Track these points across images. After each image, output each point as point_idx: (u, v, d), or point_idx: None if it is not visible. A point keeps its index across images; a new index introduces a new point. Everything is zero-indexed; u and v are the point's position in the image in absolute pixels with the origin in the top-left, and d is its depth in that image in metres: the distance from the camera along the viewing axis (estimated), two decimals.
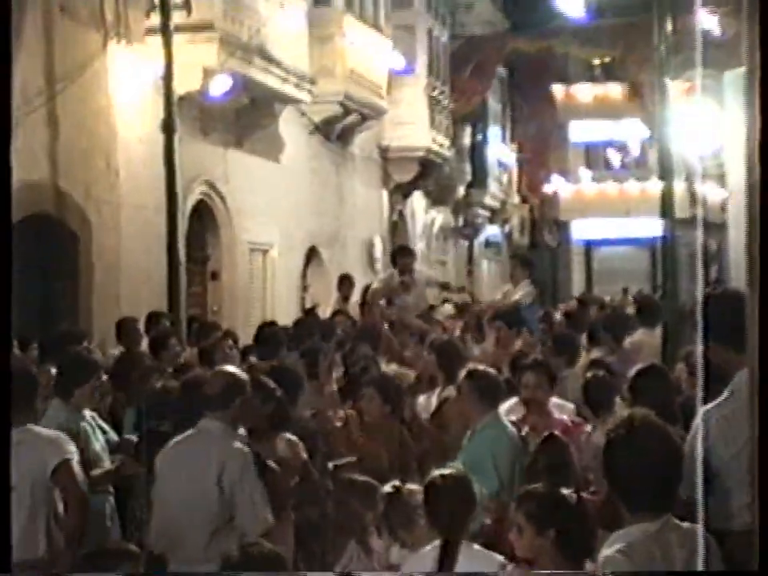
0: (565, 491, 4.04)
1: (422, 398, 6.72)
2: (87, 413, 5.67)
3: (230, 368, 5.29)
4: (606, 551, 2.98)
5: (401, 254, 11.14)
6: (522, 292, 10.24)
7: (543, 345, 8.25)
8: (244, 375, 5.14)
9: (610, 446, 3.10)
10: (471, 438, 5.37)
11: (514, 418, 5.77)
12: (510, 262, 10.89)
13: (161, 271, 10.88)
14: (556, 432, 5.11)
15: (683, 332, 9.12)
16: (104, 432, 5.79)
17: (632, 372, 5.42)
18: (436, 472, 4.31)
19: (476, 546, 4.11)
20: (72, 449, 4.84)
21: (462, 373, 5.66)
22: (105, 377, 6.12)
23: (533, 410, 5.81)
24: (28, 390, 4.87)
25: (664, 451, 3.05)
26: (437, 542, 4.13)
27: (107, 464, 5.62)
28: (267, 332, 8.51)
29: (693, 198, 24.40)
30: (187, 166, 11.57)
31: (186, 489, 4.78)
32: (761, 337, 2.58)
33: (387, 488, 4.49)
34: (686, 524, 3.06)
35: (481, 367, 5.76)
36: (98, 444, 5.62)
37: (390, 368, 7.33)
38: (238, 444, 4.88)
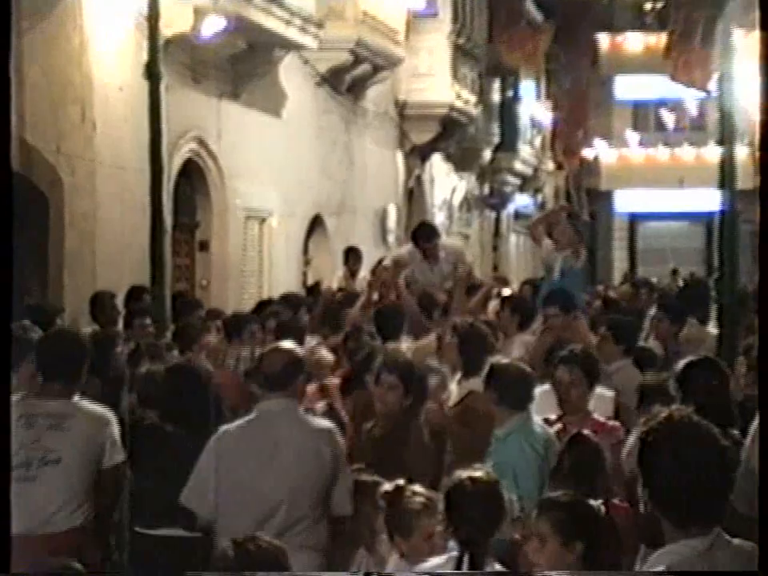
0: (592, 502, 4.04)
1: (433, 380, 6.65)
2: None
3: (287, 344, 5.45)
4: (651, 570, 2.96)
5: (422, 234, 10.54)
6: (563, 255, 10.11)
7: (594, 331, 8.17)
8: (302, 351, 5.49)
9: (646, 449, 3.06)
10: (495, 447, 5.32)
11: (552, 416, 5.75)
12: (555, 230, 10.64)
13: (143, 240, 10.84)
14: (586, 431, 5.04)
15: (743, 322, 9.07)
16: None
17: (680, 365, 5.37)
18: (463, 474, 4.23)
19: (497, 565, 4.08)
20: (115, 429, 5.33)
21: (485, 367, 5.59)
22: None
23: (567, 409, 5.77)
24: (76, 362, 5.37)
25: (709, 456, 3.00)
26: (452, 554, 4.10)
27: None
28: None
29: (757, 166, 24.27)
30: (174, 120, 11.51)
31: (273, 475, 4.97)
32: None
33: (388, 486, 4.49)
34: (736, 540, 3.03)
35: (505, 361, 5.67)
36: None
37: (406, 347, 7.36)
38: (323, 423, 5.24)
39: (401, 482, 4.51)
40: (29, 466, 5.00)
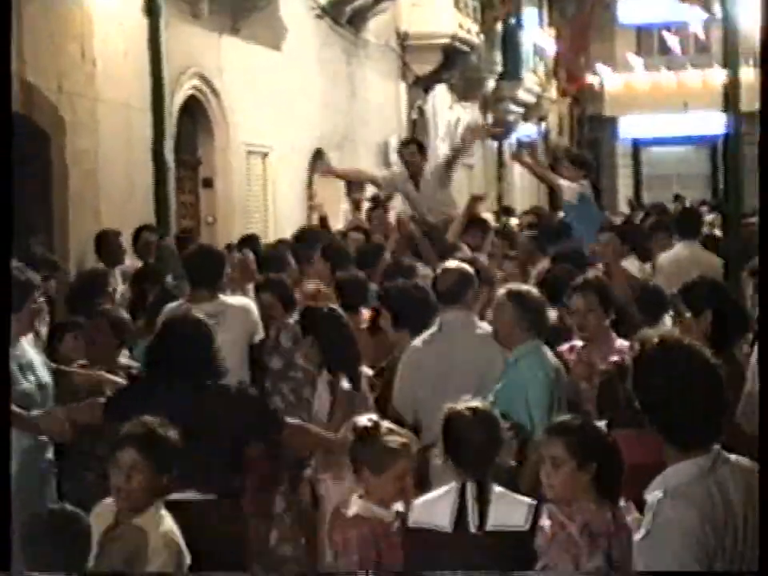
0: (595, 423, 4.09)
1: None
2: (26, 344, 5.39)
3: (456, 263, 6.13)
4: (658, 492, 2.98)
5: (403, 145, 11.05)
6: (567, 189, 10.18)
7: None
8: (471, 269, 6.02)
9: (640, 372, 3.09)
10: (505, 371, 5.35)
11: (579, 342, 5.79)
12: (560, 163, 10.75)
13: (146, 177, 10.85)
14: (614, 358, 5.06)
15: (750, 246, 9.06)
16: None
17: (678, 288, 5.42)
18: (460, 404, 4.30)
19: (498, 488, 4.13)
20: (257, 315, 6.43)
21: (501, 291, 5.59)
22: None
23: (587, 337, 5.78)
24: (217, 270, 6.50)
25: (701, 376, 3.03)
26: (452, 485, 4.14)
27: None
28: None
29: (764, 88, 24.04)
30: (175, 56, 11.44)
31: (454, 380, 5.31)
32: None
33: (363, 420, 4.45)
34: (734, 456, 3.07)
35: (524, 287, 5.68)
36: (28, 383, 5.30)
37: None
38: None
39: (374, 417, 4.48)
40: None
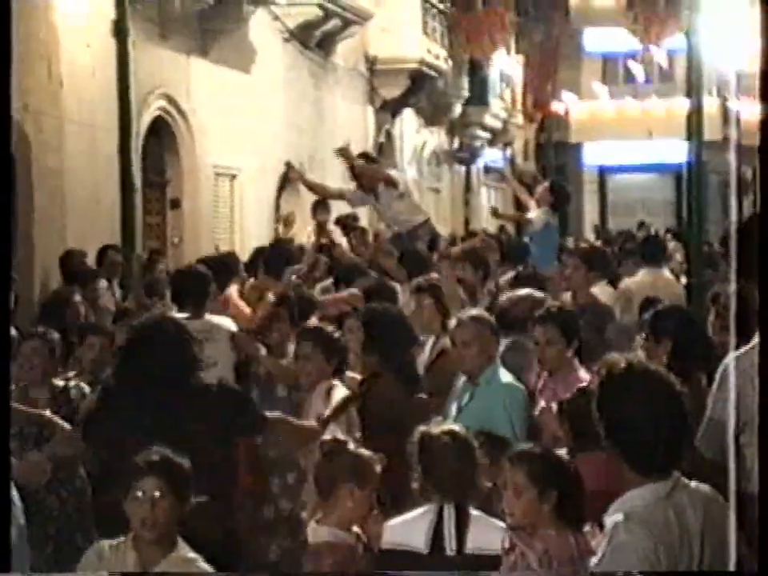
0: (561, 452, 4.10)
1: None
2: None
3: (528, 290, 6.35)
4: (616, 516, 2.99)
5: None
6: (533, 216, 10.25)
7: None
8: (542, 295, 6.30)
9: (605, 397, 3.10)
10: (473, 393, 5.34)
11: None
12: (537, 187, 10.84)
13: (113, 197, 10.79)
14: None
15: (714, 271, 9.14)
16: None
17: (648, 315, 5.45)
18: (434, 427, 4.30)
19: (475, 512, 4.13)
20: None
21: (454, 320, 5.62)
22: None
23: (547, 368, 5.78)
24: (202, 289, 6.61)
25: (665, 402, 3.05)
26: (429, 506, 4.13)
27: None
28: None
29: (725, 116, 24.37)
30: (143, 77, 11.42)
31: None
32: None
33: (327, 436, 4.43)
34: (694, 483, 3.08)
35: (478, 312, 5.73)
36: None
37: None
38: None
39: (339, 435, 4.48)
40: None
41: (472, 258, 8.30)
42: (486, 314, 5.76)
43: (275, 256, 8.03)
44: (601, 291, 8.43)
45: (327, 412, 5.25)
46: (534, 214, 10.60)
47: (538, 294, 6.40)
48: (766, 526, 2.83)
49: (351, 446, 4.36)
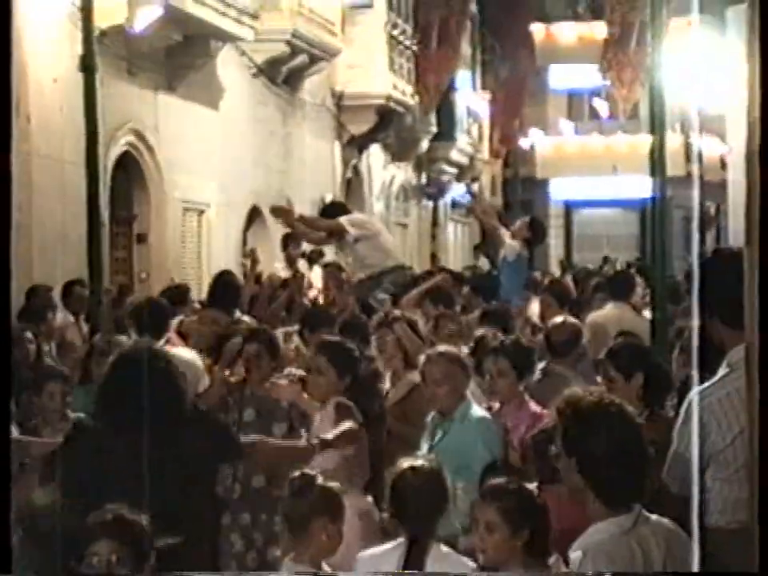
0: (528, 486, 4.09)
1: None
2: None
3: (573, 319, 6.66)
4: (579, 550, 3.00)
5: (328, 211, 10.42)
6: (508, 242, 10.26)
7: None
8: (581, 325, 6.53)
9: (569, 430, 3.12)
10: (448, 429, 5.31)
11: (496, 404, 5.82)
12: (516, 222, 10.89)
13: (79, 233, 10.73)
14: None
15: (677, 306, 9.20)
16: None
17: (604, 352, 5.48)
18: (405, 463, 4.29)
19: (444, 548, 4.12)
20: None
21: (423, 356, 5.60)
22: None
23: (496, 398, 5.83)
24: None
25: (628, 434, 3.08)
26: (400, 540, 4.14)
27: None
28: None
29: (688, 153, 24.61)
30: (110, 112, 11.39)
31: None
32: (762, 309, 2.59)
33: (302, 471, 4.35)
34: (654, 516, 3.10)
35: (447, 348, 5.69)
36: None
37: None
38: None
39: (308, 470, 4.38)
40: None
41: (432, 296, 8.30)
42: (454, 349, 5.72)
43: (222, 287, 7.99)
44: None
45: (329, 435, 5.16)
46: (508, 241, 10.61)
47: (573, 320, 6.78)
48: (766, 526, 2.84)
49: (320, 479, 4.30)
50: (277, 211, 10.09)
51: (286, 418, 5.75)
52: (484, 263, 23.25)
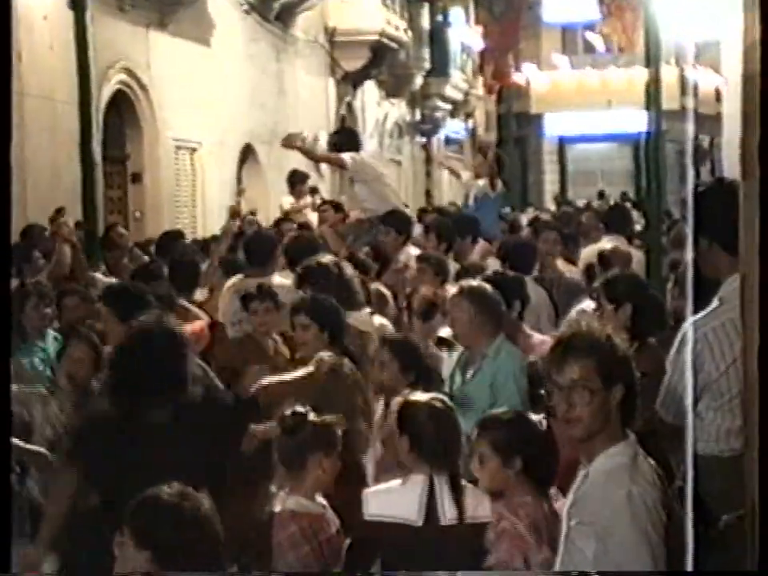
0: (534, 416, 4.08)
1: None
2: None
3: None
4: (599, 474, 3.04)
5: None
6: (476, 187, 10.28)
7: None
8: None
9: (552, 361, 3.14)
10: (481, 364, 5.20)
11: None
12: (473, 157, 10.90)
13: (73, 172, 10.68)
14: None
15: (671, 240, 9.21)
16: None
17: (599, 281, 5.47)
18: (421, 397, 4.18)
19: (470, 485, 4.03)
20: None
21: (454, 289, 5.42)
22: None
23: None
24: (269, 251, 7.07)
25: (615, 363, 3.09)
26: (414, 477, 4.00)
27: None
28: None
29: (683, 86, 24.48)
30: (102, 50, 11.28)
31: None
32: (762, 237, 2.59)
33: (290, 410, 4.27)
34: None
35: (476, 282, 5.46)
36: None
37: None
38: None
39: (300, 408, 4.30)
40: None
41: (436, 230, 8.25)
42: (482, 284, 5.41)
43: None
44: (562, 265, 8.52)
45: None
46: (474, 182, 10.64)
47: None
48: (766, 526, 2.87)
49: (311, 416, 4.26)
50: (288, 139, 9.97)
51: None
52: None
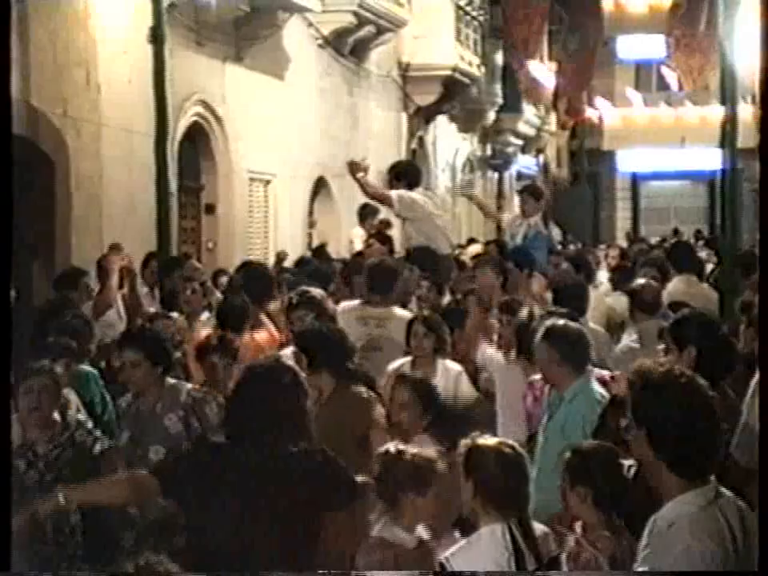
0: (626, 462, 4.00)
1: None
2: None
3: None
4: (664, 521, 2.98)
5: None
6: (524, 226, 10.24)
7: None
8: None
9: (641, 401, 3.09)
10: (559, 408, 5.17)
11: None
12: (519, 196, 10.85)
13: (148, 203, 10.85)
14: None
15: (744, 279, 9.08)
16: None
17: (670, 321, 5.40)
18: (487, 441, 4.09)
19: (540, 526, 4.03)
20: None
21: (540, 332, 5.34)
22: None
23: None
24: (391, 282, 7.21)
25: (701, 406, 3.04)
26: (488, 528, 3.90)
27: None
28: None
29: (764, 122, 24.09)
30: (179, 83, 11.49)
31: None
32: None
33: (390, 447, 4.26)
34: (729, 492, 3.07)
35: (561, 322, 5.40)
36: None
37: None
38: None
39: (400, 444, 4.31)
40: (364, 350, 6.51)
41: (491, 264, 8.20)
42: (566, 325, 5.38)
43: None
44: (615, 301, 8.46)
45: None
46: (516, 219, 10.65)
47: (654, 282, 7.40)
48: (766, 526, 2.82)
49: (409, 454, 4.19)
50: (351, 165, 10.06)
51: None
52: (556, 233, 23.15)
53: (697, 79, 23.79)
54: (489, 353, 6.75)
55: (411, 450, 4.26)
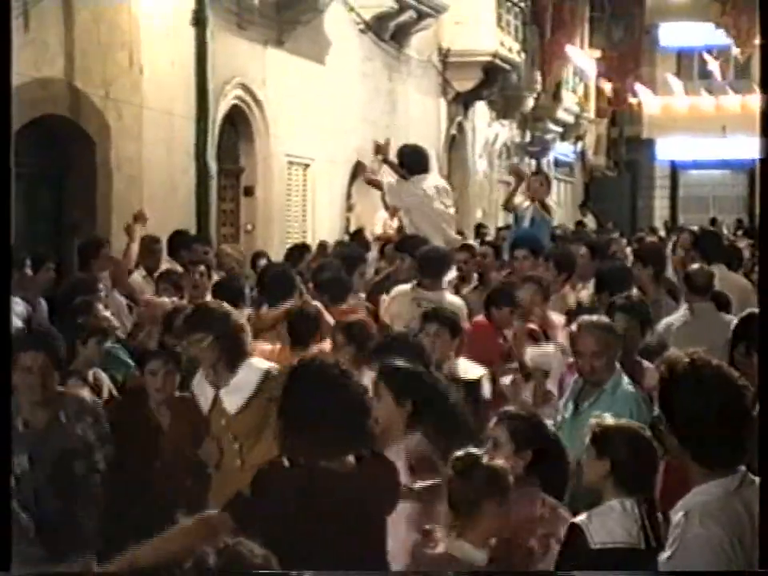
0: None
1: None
2: None
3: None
4: (683, 511, 2.99)
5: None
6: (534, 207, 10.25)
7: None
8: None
9: (670, 391, 3.09)
10: (598, 397, 5.19)
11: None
12: (528, 180, 10.81)
13: (188, 185, 10.94)
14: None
15: None
16: None
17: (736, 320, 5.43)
18: (619, 421, 4.06)
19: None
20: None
21: (575, 326, 5.40)
22: None
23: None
24: (444, 266, 7.78)
25: (731, 395, 3.04)
26: (623, 499, 3.86)
27: None
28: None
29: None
30: (220, 66, 11.54)
31: None
32: None
33: (461, 453, 4.04)
34: (758, 479, 3.07)
35: (596, 317, 5.46)
36: None
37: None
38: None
39: (473, 449, 4.09)
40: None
41: (558, 258, 8.35)
42: (606, 318, 5.49)
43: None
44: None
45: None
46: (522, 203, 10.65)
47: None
48: (766, 526, 2.82)
49: (485, 459, 4.04)
50: (376, 147, 10.29)
51: None
52: (590, 220, 23.09)
53: (746, 41, 23.51)
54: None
55: (486, 457, 4.07)
